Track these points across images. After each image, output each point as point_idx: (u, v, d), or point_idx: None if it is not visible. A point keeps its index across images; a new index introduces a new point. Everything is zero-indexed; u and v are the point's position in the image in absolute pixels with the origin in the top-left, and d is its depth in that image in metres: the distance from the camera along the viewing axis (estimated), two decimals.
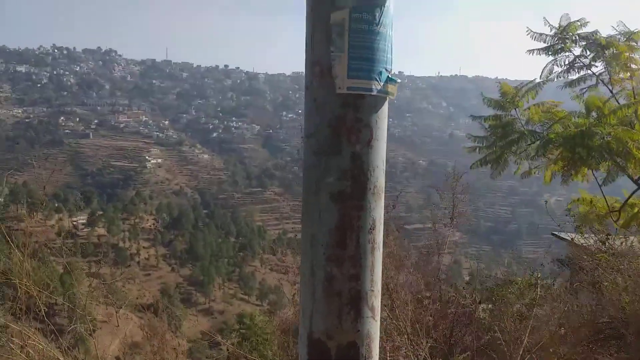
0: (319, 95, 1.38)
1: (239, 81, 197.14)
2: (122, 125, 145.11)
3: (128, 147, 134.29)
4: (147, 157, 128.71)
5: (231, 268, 75.89)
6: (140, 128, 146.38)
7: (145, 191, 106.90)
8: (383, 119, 1.43)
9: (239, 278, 73.65)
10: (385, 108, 1.44)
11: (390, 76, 1.43)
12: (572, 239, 8.19)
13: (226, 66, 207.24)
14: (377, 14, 1.39)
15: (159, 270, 71.31)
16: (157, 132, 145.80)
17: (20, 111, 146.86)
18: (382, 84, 1.40)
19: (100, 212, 75.48)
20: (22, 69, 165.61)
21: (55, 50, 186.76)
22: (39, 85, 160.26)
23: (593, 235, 6.60)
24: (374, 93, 1.39)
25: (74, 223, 71.32)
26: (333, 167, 1.35)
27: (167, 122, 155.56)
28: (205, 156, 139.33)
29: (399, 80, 1.47)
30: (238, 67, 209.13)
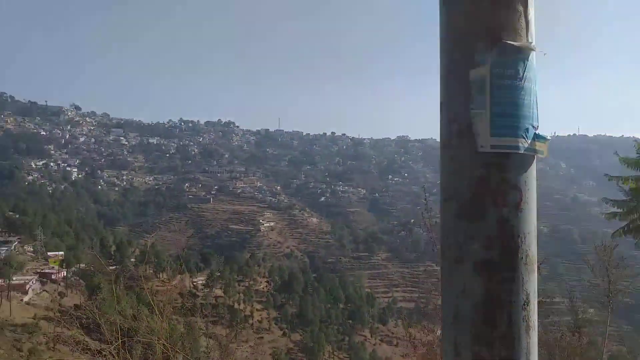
0: (459, 155, 1.29)
1: (345, 147, 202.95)
2: (239, 191, 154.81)
3: (244, 211, 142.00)
4: (260, 221, 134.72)
5: (340, 336, 74.35)
6: (255, 193, 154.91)
7: (259, 254, 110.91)
8: (532, 179, 1.29)
9: (348, 347, 71.71)
10: (533, 168, 1.30)
11: (538, 133, 1.31)
12: None
13: (333, 133, 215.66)
14: (520, 69, 1.30)
15: (271, 334, 71.98)
16: (270, 197, 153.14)
17: (151, 179, 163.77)
18: (529, 141, 1.28)
19: (218, 274, 79.21)
20: (153, 140, 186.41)
21: (182, 124, 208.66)
22: (167, 155, 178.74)
23: None
24: (521, 151, 1.26)
25: (194, 284, 75.44)
26: (477, 233, 1.22)
27: (279, 188, 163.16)
28: (314, 219, 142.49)
29: (549, 138, 1.33)
30: (344, 134, 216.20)
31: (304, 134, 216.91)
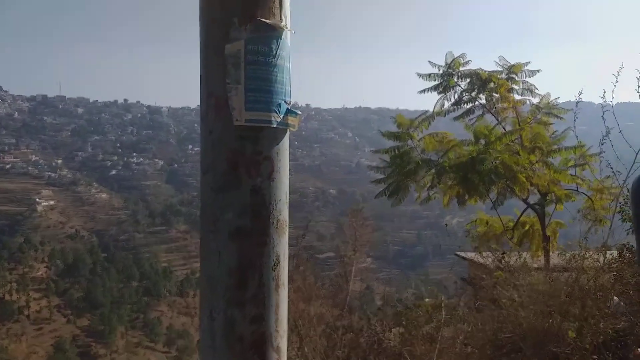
0: (216, 128, 1.33)
1: (139, 115, 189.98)
2: (8, 166, 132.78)
3: (15, 189, 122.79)
4: (37, 200, 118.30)
5: (134, 314, 71.14)
6: (29, 168, 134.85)
7: (35, 237, 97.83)
8: (284, 151, 1.40)
9: (143, 324, 69.12)
10: (286, 140, 1.41)
11: (290, 108, 1.41)
12: (473, 258, 8.70)
13: (126, 100, 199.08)
14: (274, 46, 1.37)
15: (53, 323, 64.94)
16: (48, 172, 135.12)
17: None
18: (281, 116, 1.38)
19: None
20: None
21: None
22: None
23: (490, 253, 7.04)
24: (274, 125, 1.35)
25: None
26: (232, 203, 1.29)
27: (60, 161, 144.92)
28: (104, 195, 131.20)
29: (299, 113, 1.45)
30: (139, 101, 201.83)
31: (91, 100, 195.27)
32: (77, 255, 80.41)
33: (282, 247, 1.35)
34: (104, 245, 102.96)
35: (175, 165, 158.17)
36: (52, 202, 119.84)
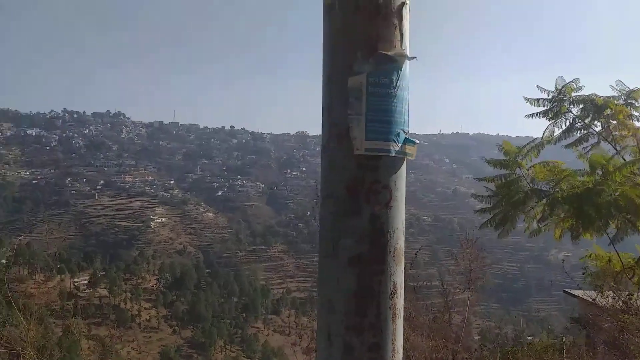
0: (337, 157, 1.37)
1: (244, 141, 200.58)
2: (128, 186, 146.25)
3: (133, 207, 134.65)
4: (151, 217, 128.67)
5: (233, 330, 73.86)
6: (146, 188, 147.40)
7: (148, 251, 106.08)
8: (402, 180, 1.41)
9: (241, 340, 71.47)
10: (403, 169, 1.43)
11: (408, 137, 1.43)
12: (589, 297, 7.95)
13: (232, 127, 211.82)
14: (394, 78, 1.41)
15: (160, 332, 69.42)
16: (162, 191, 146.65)
17: (28, 173, 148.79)
18: (400, 145, 1.40)
19: (103, 273, 74.60)
20: (32, 132, 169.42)
21: (66, 114, 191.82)
22: (47, 148, 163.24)
23: (611, 293, 6.40)
24: (392, 154, 1.38)
25: (76, 284, 70.37)
26: (351, 230, 1.32)
27: (172, 182, 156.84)
28: (210, 214, 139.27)
29: (417, 142, 1.46)
30: (244, 128, 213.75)
31: (202, 127, 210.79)
32: (184, 269, 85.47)
33: (399, 276, 1.35)
34: (208, 261, 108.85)
35: (275, 188, 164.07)
36: (164, 219, 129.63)
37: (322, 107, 1.45)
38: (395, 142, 1.39)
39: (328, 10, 1.45)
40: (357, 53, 1.38)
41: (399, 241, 1.37)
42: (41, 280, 61.17)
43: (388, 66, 1.40)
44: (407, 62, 1.45)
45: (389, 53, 1.39)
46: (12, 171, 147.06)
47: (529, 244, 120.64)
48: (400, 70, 1.42)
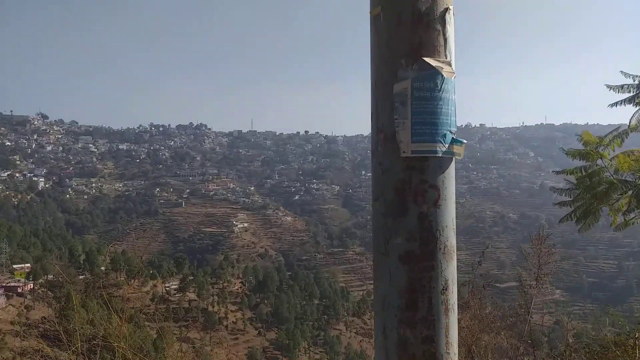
0: (384, 160, 1.45)
1: (318, 145, 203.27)
2: (211, 193, 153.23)
3: (217, 213, 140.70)
4: (234, 222, 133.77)
5: (316, 332, 74.77)
6: (228, 195, 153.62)
7: (232, 255, 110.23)
8: (450, 179, 1.46)
9: (324, 342, 72.20)
10: (452, 169, 1.47)
11: (455, 137, 1.48)
12: None
13: (306, 132, 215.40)
14: (439, 81, 1.46)
15: (246, 334, 71.82)
16: (243, 197, 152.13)
17: (121, 185, 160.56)
18: (446, 145, 1.45)
19: (191, 277, 78.43)
20: (123, 146, 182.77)
21: (152, 128, 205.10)
22: (137, 160, 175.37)
23: None
24: (439, 155, 1.43)
25: (167, 289, 74.49)
26: (400, 229, 1.39)
27: (252, 188, 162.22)
28: (288, 218, 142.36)
29: (464, 141, 1.50)
30: (317, 132, 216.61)
31: (277, 133, 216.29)
32: (267, 272, 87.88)
33: (450, 272, 1.40)
34: (288, 264, 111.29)
35: (350, 190, 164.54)
36: (246, 225, 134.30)
37: (371, 113, 1.54)
38: (441, 143, 1.44)
39: (374, 21, 1.53)
40: (402, 60, 1.44)
41: (450, 238, 1.42)
42: (136, 285, 65.46)
43: (433, 71, 1.45)
44: (453, 65, 1.49)
45: (432, 62, 1.44)
46: (107, 184, 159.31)
47: (627, 239, 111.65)
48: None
